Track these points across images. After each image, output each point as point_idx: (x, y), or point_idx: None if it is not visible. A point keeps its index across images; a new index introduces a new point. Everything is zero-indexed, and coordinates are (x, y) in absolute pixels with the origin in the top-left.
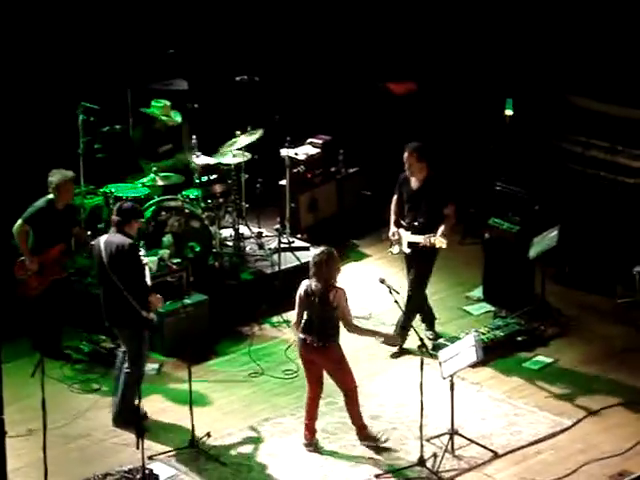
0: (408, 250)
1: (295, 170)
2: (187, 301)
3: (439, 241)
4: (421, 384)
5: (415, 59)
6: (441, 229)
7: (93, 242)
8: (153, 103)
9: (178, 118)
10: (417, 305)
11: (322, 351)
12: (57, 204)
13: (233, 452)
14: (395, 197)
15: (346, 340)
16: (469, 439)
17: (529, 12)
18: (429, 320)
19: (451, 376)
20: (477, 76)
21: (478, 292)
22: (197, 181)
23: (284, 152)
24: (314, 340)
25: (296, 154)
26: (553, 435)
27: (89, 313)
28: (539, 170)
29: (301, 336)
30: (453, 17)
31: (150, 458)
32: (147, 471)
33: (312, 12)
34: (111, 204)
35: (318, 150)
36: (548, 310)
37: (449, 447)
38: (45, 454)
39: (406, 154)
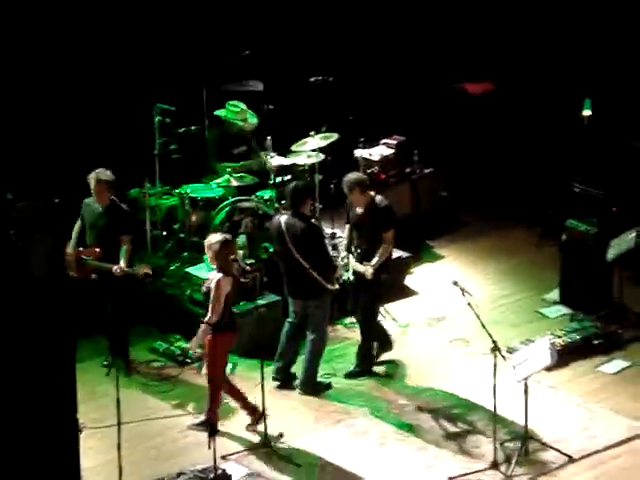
0: (352, 277)
1: (369, 171)
2: (260, 302)
3: (367, 272)
4: (494, 387)
5: (492, 59)
6: (374, 260)
7: (270, 221)
8: (228, 107)
9: (254, 120)
10: (372, 336)
11: None
12: (97, 202)
13: (306, 453)
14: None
15: (418, 342)
16: (544, 443)
17: (606, 12)
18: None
19: (525, 379)
20: (555, 76)
21: (555, 295)
22: (271, 182)
23: (358, 153)
24: None
25: (370, 154)
26: (629, 440)
27: (163, 313)
28: (617, 171)
29: None
30: (530, 16)
31: (223, 458)
32: (220, 471)
33: (386, 12)
34: (186, 205)
35: (392, 151)
36: (625, 313)
37: (523, 451)
38: (119, 453)
39: (346, 190)
